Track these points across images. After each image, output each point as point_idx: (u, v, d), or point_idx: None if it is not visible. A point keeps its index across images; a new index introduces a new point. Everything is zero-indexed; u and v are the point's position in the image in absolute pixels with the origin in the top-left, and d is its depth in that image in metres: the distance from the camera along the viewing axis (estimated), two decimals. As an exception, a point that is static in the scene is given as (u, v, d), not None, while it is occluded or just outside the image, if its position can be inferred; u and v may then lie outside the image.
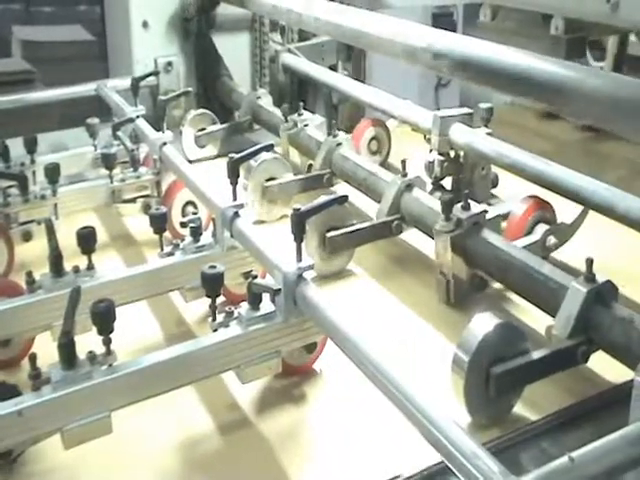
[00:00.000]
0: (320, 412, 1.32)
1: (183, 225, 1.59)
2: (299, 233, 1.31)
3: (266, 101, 2.57)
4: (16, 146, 2.03)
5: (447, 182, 1.97)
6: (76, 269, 1.43)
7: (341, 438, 1.26)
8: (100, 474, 1.19)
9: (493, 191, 1.99)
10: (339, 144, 2.13)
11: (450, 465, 0.92)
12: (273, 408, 1.32)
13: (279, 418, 1.30)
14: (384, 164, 2.38)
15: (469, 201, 1.61)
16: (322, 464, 1.21)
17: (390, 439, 1.23)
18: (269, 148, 1.66)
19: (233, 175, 1.56)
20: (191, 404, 1.33)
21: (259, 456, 1.22)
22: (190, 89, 2.35)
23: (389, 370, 1.04)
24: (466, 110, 1.97)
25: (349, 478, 1.17)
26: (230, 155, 1.57)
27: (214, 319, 1.30)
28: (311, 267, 1.30)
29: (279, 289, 1.27)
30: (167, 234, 1.61)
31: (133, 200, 1.95)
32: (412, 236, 1.85)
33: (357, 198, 1.98)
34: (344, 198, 1.41)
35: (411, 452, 1.18)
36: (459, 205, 1.61)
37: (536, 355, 1.28)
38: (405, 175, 1.82)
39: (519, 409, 1.29)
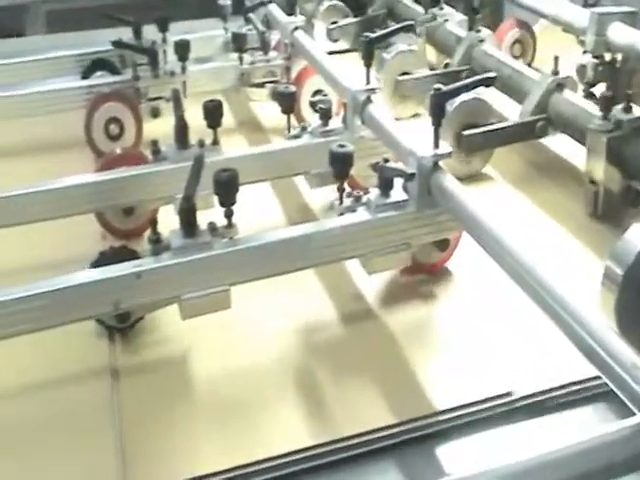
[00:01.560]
0: (449, 312, 1.23)
1: (313, 105, 1.51)
2: (438, 116, 1.19)
3: (404, -5, 2.41)
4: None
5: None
6: (201, 143, 1.38)
7: (470, 340, 1.16)
8: (215, 350, 1.16)
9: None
10: (481, 40, 1.96)
11: (604, 376, 0.80)
12: (399, 303, 1.24)
13: (405, 313, 1.22)
14: (528, 69, 2.19)
15: (631, 104, 1.44)
16: (446, 363, 1.12)
17: (522, 348, 1.13)
18: (408, 28, 1.53)
19: (367, 57, 1.45)
20: (313, 290, 1.27)
21: (381, 347, 1.15)
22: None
23: (537, 268, 0.93)
24: (628, 8, 1.75)
25: (474, 381, 1.08)
26: (365, 34, 1.46)
27: (341, 202, 1.22)
28: (449, 155, 1.19)
29: (413, 173, 1.17)
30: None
31: (262, 85, 1.88)
32: (556, 143, 1.69)
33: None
34: (491, 79, 1.26)
35: (547, 364, 1.08)
36: (619, 107, 1.44)
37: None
38: (556, 73, 1.65)
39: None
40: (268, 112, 1.89)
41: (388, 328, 1.19)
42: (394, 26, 1.58)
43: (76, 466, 0.96)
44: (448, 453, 0.98)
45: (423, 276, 1.30)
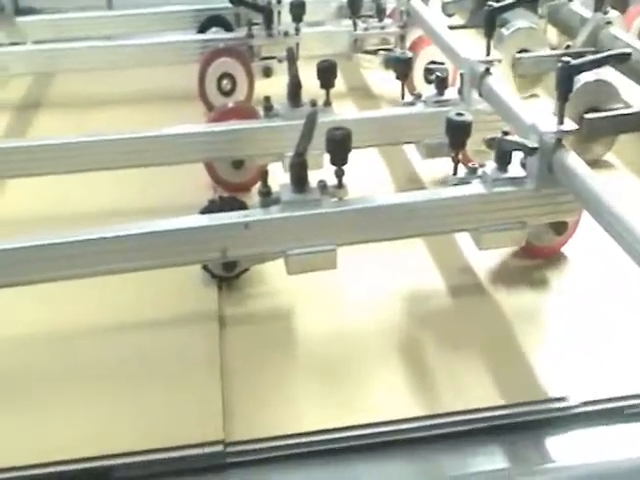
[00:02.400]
0: (563, 300, 1.17)
1: (427, 75, 1.47)
2: (564, 90, 1.13)
3: (526, -28, 2.32)
4: None
5: None
6: (313, 103, 1.37)
7: (585, 331, 1.11)
8: (319, 308, 1.15)
9: None
10: (609, 22, 1.86)
11: None
12: (509, 284, 1.20)
13: (515, 296, 1.18)
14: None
15: None
16: (558, 351, 1.07)
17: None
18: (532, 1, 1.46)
19: (488, 27, 1.40)
20: (421, 259, 1.25)
21: (489, 326, 1.11)
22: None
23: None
24: None
25: (587, 374, 1.02)
26: (488, 3, 1.41)
27: (455, 173, 1.18)
28: (573, 132, 1.13)
29: (535, 147, 1.11)
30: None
31: (375, 52, 1.85)
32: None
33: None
34: (626, 55, 1.19)
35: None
36: None
37: None
38: (691, 61, 1.55)
39: None
40: (379, 80, 1.86)
41: (497, 307, 1.14)
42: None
43: (175, 407, 0.97)
44: (555, 442, 0.94)
45: (536, 260, 1.25)
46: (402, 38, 1.84)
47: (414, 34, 1.82)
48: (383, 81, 1.83)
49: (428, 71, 1.49)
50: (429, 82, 1.74)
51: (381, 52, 1.84)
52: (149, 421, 0.95)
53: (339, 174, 1.11)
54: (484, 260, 1.23)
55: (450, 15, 2.37)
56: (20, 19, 1.92)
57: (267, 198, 1.09)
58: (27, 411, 0.97)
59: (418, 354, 1.05)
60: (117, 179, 1.38)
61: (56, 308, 1.13)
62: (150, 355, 1.06)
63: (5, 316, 1.12)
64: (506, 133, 1.19)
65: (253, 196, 1.32)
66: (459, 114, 1.21)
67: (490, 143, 1.38)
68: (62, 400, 0.98)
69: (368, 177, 1.42)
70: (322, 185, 1.11)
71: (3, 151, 1.33)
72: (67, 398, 0.98)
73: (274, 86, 1.71)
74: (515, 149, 1.15)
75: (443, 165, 1.41)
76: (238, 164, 1.41)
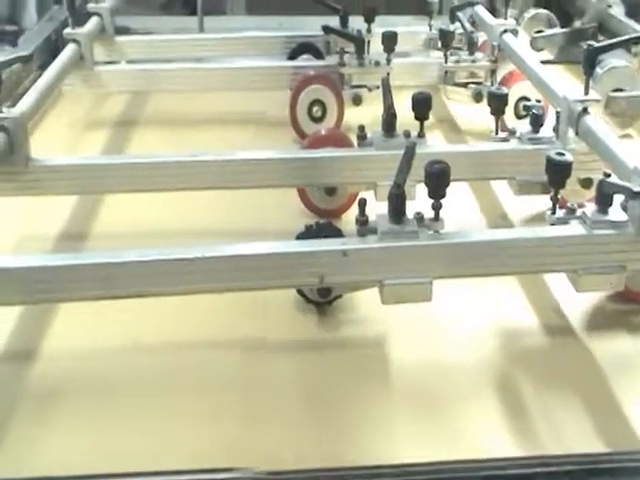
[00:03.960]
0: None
1: (525, 108, 1.46)
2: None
3: (617, 11, 2.30)
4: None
5: None
6: (407, 133, 1.38)
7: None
8: (411, 338, 1.15)
9: None
10: None
11: None
12: (605, 329, 1.18)
13: (611, 341, 1.15)
14: None
15: None
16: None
17: None
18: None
19: (588, 66, 1.38)
20: (514, 296, 1.24)
21: (584, 369, 1.09)
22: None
23: None
24: None
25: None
26: (588, 43, 1.40)
27: (553, 212, 1.17)
28: (681, 179, 1.10)
29: (639, 192, 1.10)
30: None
31: (464, 85, 1.85)
32: None
33: None
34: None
35: None
36: None
37: None
38: None
39: None
40: (467, 113, 1.86)
41: (591, 351, 1.12)
42: (620, 38, 1.50)
43: (257, 433, 0.97)
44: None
45: (634, 305, 1.22)
46: (493, 72, 1.84)
47: (505, 68, 1.82)
48: (471, 114, 1.84)
49: (525, 108, 1.48)
50: (519, 117, 1.73)
51: (471, 85, 1.85)
52: (239, 443, 0.96)
53: (436, 207, 1.12)
54: (578, 301, 1.21)
55: (539, 50, 2.37)
56: (118, 38, 2.00)
57: (364, 227, 1.10)
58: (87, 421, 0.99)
59: (513, 392, 1.04)
60: (211, 199, 1.41)
61: (155, 320, 1.16)
62: (239, 376, 1.07)
63: (92, 326, 1.15)
64: (608, 175, 1.17)
65: (344, 222, 1.36)
66: (559, 153, 1.19)
67: (586, 183, 1.37)
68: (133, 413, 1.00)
69: (458, 211, 1.41)
70: (419, 217, 1.11)
71: (100, 167, 1.37)
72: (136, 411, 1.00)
73: (363, 114, 1.73)
74: (617, 192, 1.13)
75: (533, 203, 1.41)
76: (330, 191, 1.42)
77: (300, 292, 1.18)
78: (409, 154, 1.13)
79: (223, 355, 1.11)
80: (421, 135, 1.39)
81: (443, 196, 1.11)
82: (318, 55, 1.96)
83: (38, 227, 1.42)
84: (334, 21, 1.91)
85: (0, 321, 1.15)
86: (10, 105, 1.33)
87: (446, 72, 1.85)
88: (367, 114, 1.69)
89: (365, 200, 1.11)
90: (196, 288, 1.05)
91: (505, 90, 1.47)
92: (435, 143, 1.41)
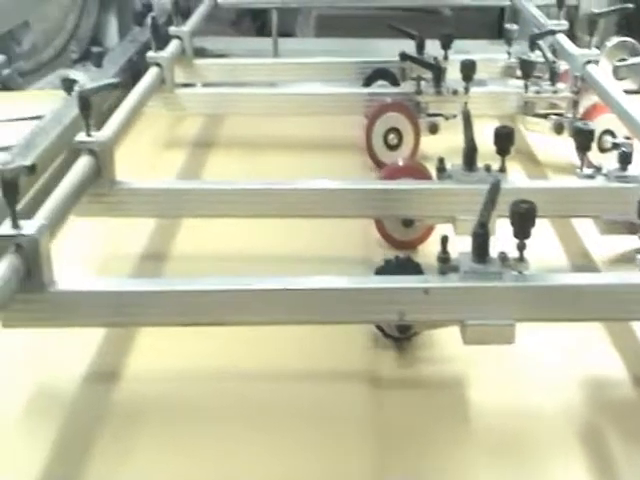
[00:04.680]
0: None
1: (614, 146, 1.42)
2: None
3: None
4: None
5: None
6: (488, 168, 1.35)
7: None
8: (490, 380, 1.12)
9: None
10: None
11: None
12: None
13: None
14: None
15: None
16: None
17: None
18: None
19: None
20: (599, 343, 1.19)
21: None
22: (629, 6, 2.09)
23: None
24: None
25: None
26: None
27: (645, 257, 1.13)
28: None
29: None
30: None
31: (545, 116, 1.82)
32: None
33: None
34: None
35: None
36: None
37: None
38: None
39: None
40: (546, 145, 1.83)
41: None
42: None
43: (323, 465, 0.96)
44: None
45: None
46: (575, 104, 1.80)
47: (588, 99, 1.78)
48: (551, 146, 1.80)
49: (613, 146, 1.44)
50: (603, 151, 1.69)
51: (551, 116, 1.81)
52: (317, 475, 0.95)
53: (521, 247, 1.09)
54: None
55: (621, 79, 2.31)
56: (197, 61, 2.03)
57: (446, 265, 1.08)
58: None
59: (600, 445, 1.00)
60: (287, 226, 1.41)
61: (220, 347, 1.16)
62: (314, 407, 1.07)
63: (178, 350, 1.16)
64: None
65: (421, 254, 1.34)
66: (656, 195, 1.16)
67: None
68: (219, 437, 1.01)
69: (540, 249, 1.38)
70: (503, 257, 1.09)
71: (178, 192, 1.39)
72: (222, 436, 1.01)
73: (440, 143, 1.72)
74: None
75: (619, 243, 1.36)
76: (408, 222, 1.41)
77: (378, 326, 1.17)
78: (494, 192, 1.10)
79: (298, 386, 1.11)
80: (502, 170, 1.36)
81: (528, 236, 1.08)
82: (393, 81, 1.95)
83: (121, 247, 1.46)
84: (405, 44, 1.90)
85: (86, 343, 1.17)
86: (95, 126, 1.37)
87: (526, 102, 1.82)
88: (444, 143, 1.68)
89: (447, 237, 1.09)
90: (276, 319, 1.05)
91: (592, 126, 1.43)
92: (517, 178, 1.38)
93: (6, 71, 2.33)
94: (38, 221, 1.01)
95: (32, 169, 0.96)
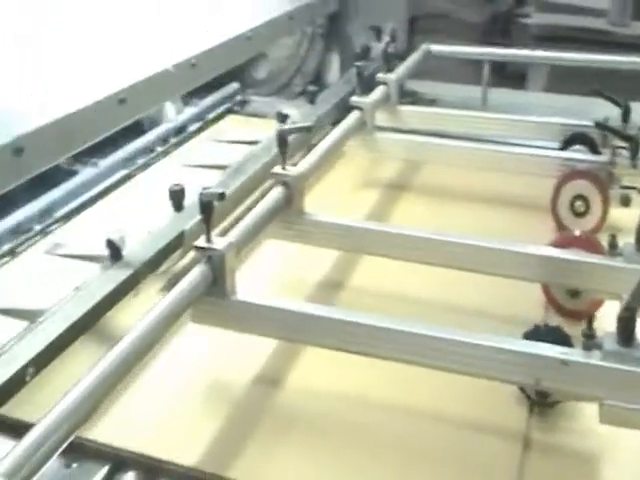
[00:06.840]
0: None
1: None
2: None
3: None
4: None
5: None
6: (654, 251, 1.34)
7: None
8: (627, 463, 1.14)
9: None
10: None
11: None
12: None
13: None
14: None
15: None
16: None
17: None
18: None
19: None
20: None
21: None
22: None
23: None
24: None
25: None
26: None
27: None
28: None
29: None
30: None
31: None
32: None
33: None
34: None
35: None
36: None
37: None
38: None
39: None
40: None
41: None
42: None
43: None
44: None
45: None
46: None
47: None
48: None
49: None
50: None
51: None
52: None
53: (669, 337, 1.09)
54: None
55: None
56: (401, 108, 2.15)
57: (590, 341, 1.12)
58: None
59: None
60: (456, 277, 1.48)
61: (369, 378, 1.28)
62: (449, 453, 1.14)
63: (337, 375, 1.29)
64: None
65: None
66: None
67: None
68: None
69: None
70: (650, 343, 1.10)
71: (360, 230, 1.53)
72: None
73: (630, 216, 1.67)
74: None
75: None
76: (574, 292, 1.43)
77: (522, 388, 1.22)
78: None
79: (440, 428, 1.19)
80: (681, 253, 1.35)
81: (683, 326, 1.09)
82: (592, 147, 1.94)
83: (302, 271, 1.63)
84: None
85: (259, 350, 1.34)
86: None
87: None
88: (635, 217, 1.65)
89: (593, 316, 1.12)
90: (420, 362, 1.15)
91: None
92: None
93: (238, 98, 2.62)
94: (228, 239, 1.22)
95: (222, 196, 1.17)
